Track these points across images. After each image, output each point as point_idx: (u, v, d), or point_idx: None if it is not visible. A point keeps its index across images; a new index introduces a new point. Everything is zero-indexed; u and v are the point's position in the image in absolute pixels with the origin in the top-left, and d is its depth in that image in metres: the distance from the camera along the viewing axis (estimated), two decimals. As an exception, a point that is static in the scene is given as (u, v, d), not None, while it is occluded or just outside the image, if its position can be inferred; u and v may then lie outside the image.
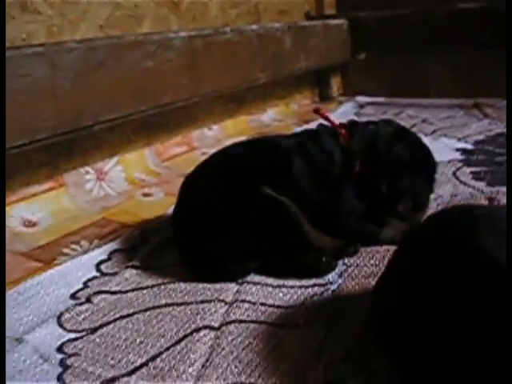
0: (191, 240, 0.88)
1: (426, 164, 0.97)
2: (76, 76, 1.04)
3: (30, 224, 1.13)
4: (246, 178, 0.87)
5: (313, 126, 1.05)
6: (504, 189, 1.12)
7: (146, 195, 1.28)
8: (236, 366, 0.65)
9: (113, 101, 1.11)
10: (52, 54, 1.01)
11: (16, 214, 1.12)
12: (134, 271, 0.91)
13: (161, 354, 0.69)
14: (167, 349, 0.70)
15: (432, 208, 1.06)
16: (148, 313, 0.79)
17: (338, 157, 0.93)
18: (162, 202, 1.21)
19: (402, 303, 0.57)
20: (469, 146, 1.47)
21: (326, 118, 1.00)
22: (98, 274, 0.91)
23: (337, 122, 1.00)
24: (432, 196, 1.11)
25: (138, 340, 0.72)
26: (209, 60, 1.37)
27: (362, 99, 2.18)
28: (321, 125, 1.01)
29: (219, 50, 1.41)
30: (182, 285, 0.85)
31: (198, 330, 0.73)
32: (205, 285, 0.84)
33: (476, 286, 0.50)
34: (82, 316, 0.79)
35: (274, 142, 0.96)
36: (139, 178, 1.37)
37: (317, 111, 1.02)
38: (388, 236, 0.92)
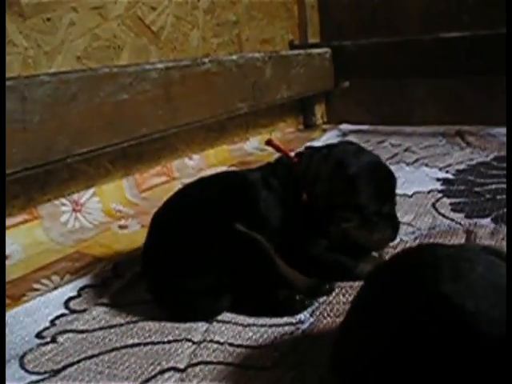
0: (161, 276, 0.86)
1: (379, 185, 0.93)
2: (46, 109, 1.03)
3: (2, 257, 1.11)
4: (217, 214, 0.86)
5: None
6: (481, 221, 1.11)
7: (122, 227, 1.26)
8: (198, 412, 0.63)
9: (84, 133, 1.10)
10: (23, 87, 1.00)
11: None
12: (103, 309, 0.88)
13: (123, 398, 0.67)
14: (130, 392, 0.68)
15: (410, 240, 1.05)
16: (113, 353, 0.76)
17: (291, 188, 0.91)
18: (138, 235, 1.18)
19: (362, 346, 0.56)
20: (450, 176, 1.46)
21: (278, 149, 0.99)
22: (66, 312, 0.89)
23: (290, 151, 0.99)
24: (410, 230, 1.11)
25: (100, 383, 0.70)
26: (186, 91, 1.37)
27: (345, 127, 2.19)
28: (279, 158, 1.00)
29: (197, 81, 1.41)
30: (151, 323, 0.83)
31: (162, 371, 0.71)
32: (174, 324, 0.82)
33: (435, 333, 0.49)
34: (46, 357, 0.77)
35: (242, 176, 0.95)
36: (116, 209, 1.36)
37: (269, 143, 1.02)
38: (364, 271, 0.89)
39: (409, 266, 0.58)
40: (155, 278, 0.87)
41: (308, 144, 1.86)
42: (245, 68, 1.61)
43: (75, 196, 1.30)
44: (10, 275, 1.05)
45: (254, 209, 0.88)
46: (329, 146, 0.98)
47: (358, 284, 0.88)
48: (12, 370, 0.74)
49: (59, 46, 1.26)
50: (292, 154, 0.99)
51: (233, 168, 1.60)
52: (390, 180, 0.95)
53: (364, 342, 0.55)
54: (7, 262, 1.10)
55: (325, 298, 0.86)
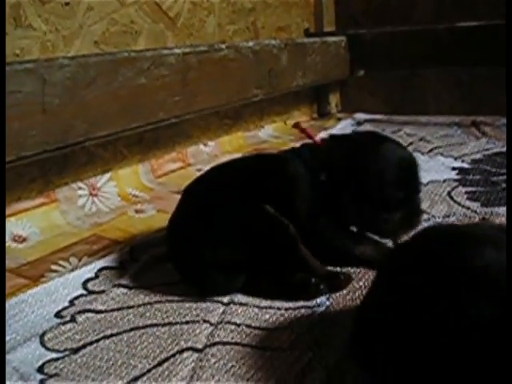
0: (183, 244, 0.87)
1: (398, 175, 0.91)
2: (66, 92, 1.04)
3: (20, 239, 1.12)
4: (248, 193, 0.87)
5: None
6: (498, 210, 1.11)
7: (138, 211, 1.27)
8: (217, 390, 0.64)
9: (103, 117, 1.11)
10: (43, 70, 1.01)
11: (6, 229, 1.11)
12: (121, 290, 0.89)
13: (142, 375, 0.68)
14: (149, 370, 0.69)
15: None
16: (132, 333, 0.77)
17: (314, 170, 0.92)
18: (154, 219, 1.20)
19: (383, 325, 0.56)
20: (465, 165, 1.46)
21: (305, 132, 1.00)
22: (84, 292, 0.90)
23: (316, 137, 0.99)
24: (425, 217, 1.10)
25: (120, 361, 0.71)
26: (203, 76, 1.37)
27: (360, 116, 2.18)
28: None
29: (214, 67, 1.41)
30: (168, 305, 0.84)
31: (181, 351, 0.72)
32: (191, 304, 0.83)
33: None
34: (66, 335, 0.78)
35: (281, 162, 0.95)
36: (132, 194, 1.36)
37: (296, 125, 1.02)
38: (365, 253, 0.91)
39: (437, 242, 0.58)
40: (178, 247, 0.89)
41: (323, 132, 1.87)
42: (261, 55, 1.61)
43: (92, 180, 1.31)
44: (29, 257, 1.06)
45: (281, 190, 0.89)
46: (355, 133, 0.99)
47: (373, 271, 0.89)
48: (32, 347, 0.75)
49: (77, 31, 1.26)
50: (317, 138, 0.99)
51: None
52: (413, 168, 0.93)
53: (391, 319, 0.55)
54: (25, 245, 1.11)
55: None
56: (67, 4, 1.24)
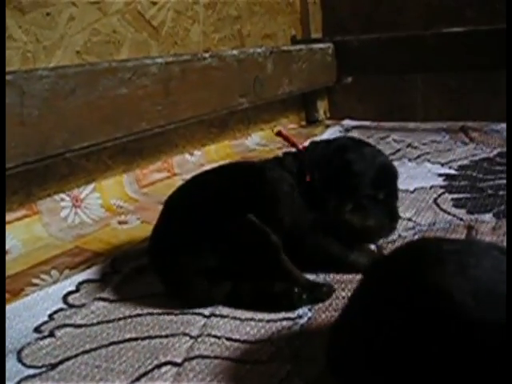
0: (166, 253, 0.87)
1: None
2: (45, 104, 1.02)
3: (2, 252, 1.11)
4: (230, 202, 0.87)
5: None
6: (483, 217, 1.10)
7: (121, 223, 1.26)
8: (194, 406, 0.63)
9: (83, 128, 1.10)
10: (21, 81, 0.99)
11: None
12: (101, 303, 0.88)
13: (119, 392, 0.67)
14: (126, 386, 0.67)
15: (409, 236, 1.05)
16: (111, 348, 0.76)
17: (296, 174, 0.94)
18: (137, 230, 1.19)
19: (359, 341, 0.55)
20: (452, 172, 1.45)
21: (288, 139, 1.00)
22: (64, 306, 0.89)
23: (299, 144, 1.00)
24: (410, 225, 1.10)
25: (97, 377, 0.70)
26: (185, 86, 1.36)
27: (348, 123, 2.18)
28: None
29: (197, 76, 1.40)
30: (149, 318, 0.83)
31: (159, 366, 0.70)
32: (172, 317, 0.82)
33: (433, 328, 0.49)
34: (44, 351, 0.77)
35: (254, 166, 0.97)
36: (116, 205, 1.35)
37: (279, 134, 1.03)
38: (359, 261, 0.90)
39: (411, 259, 0.57)
40: (160, 256, 0.88)
41: (311, 139, 1.86)
42: (246, 63, 1.60)
43: (75, 191, 1.30)
44: (10, 270, 1.04)
45: (263, 199, 0.89)
46: (335, 138, 1.04)
47: (356, 278, 0.88)
48: (10, 363, 0.74)
49: (59, 41, 1.25)
50: (300, 146, 1.00)
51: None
52: (389, 170, 0.96)
53: (362, 336, 0.55)
54: (6, 257, 1.10)
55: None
56: (48, 14, 1.23)
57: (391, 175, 0.96)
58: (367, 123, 2.15)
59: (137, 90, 1.22)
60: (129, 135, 1.22)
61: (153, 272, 0.90)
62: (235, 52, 1.58)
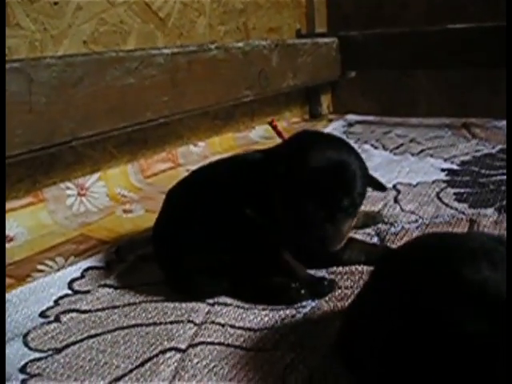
0: (168, 251, 0.88)
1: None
2: (53, 92, 1.03)
3: (7, 239, 1.12)
4: (231, 198, 0.86)
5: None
6: (485, 211, 1.11)
7: (126, 211, 1.27)
8: (198, 390, 0.64)
9: (90, 117, 1.11)
10: (30, 69, 1.00)
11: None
12: (107, 290, 0.89)
13: (124, 376, 0.68)
14: (131, 371, 0.69)
15: (412, 229, 1.06)
16: (116, 333, 0.77)
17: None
18: (142, 219, 1.19)
19: (374, 328, 0.56)
20: (454, 167, 1.46)
21: (276, 130, 0.99)
22: (69, 292, 0.90)
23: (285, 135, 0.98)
24: (413, 218, 1.11)
25: (102, 361, 0.71)
26: (192, 77, 1.36)
27: (351, 118, 2.18)
28: None
29: (203, 67, 1.40)
30: (154, 305, 0.84)
31: (164, 351, 0.72)
32: (176, 305, 0.83)
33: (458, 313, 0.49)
34: (49, 335, 0.78)
35: (251, 159, 0.95)
36: (121, 194, 1.36)
37: (271, 124, 1.01)
38: (352, 257, 0.91)
39: (425, 249, 0.58)
40: (162, 251, 0.89)
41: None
42: (251, 55, 1.61)
43: (81, 180, 1.31)
44: (15, 256, 1.06)
45: (262, 192, 0.87)
46: (307, 133, 0.98)
47: (359, 269, 0.89)
48: (15, 347, 0.75)
49: (66, 30, 1.26)
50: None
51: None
52: (343, 171, 0.84)
53: (380, 323, 0.55)
54: (12, 244, 1.11)
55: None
56: (56, 3, 1.23)
57: (343, 175, 0.84)
58: (370, 118, 2.16)
59: (143, 80, 1.22)
60: (134, 125, 1.22)
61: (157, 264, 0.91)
62: (241, 44, 1.58)
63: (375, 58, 2.08)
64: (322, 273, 0.90)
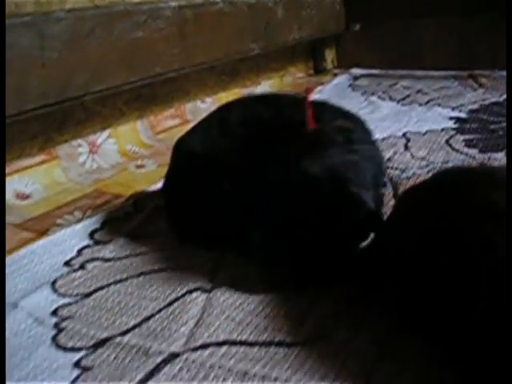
0: (176, 205, 0.89)
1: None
2: (64, 45, 1.03)
3: (23, 196, 1.13)
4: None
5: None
6: (496, 155, 1.12)
7: (138, 167, 1.28)
8: (228, 325, 0.66)
9: (102, 71, 1.11)
10: (40, 23, 1.00)
11: (9, 186, 1.12)
12: (127, 239, 0.91)
13: (153, 315, 0.70)
14: (160, 310, 0.71)
15: (423, 174, 1.07)
16: (141, 277, 0.79)
17: None
18: (155, 173, 1.20)
19: (404, 253, 0.58)
20: (463, 115, 1.46)
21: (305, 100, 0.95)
22: (91, 243, 0.92)
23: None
24: (424, 163, 1.12)
25: (131, 303, 0.73)
26: (199, 30, 1.36)
27: (356, 71, 2.17)
28: None
29: (210, 20, 1.40)
30: (175, 251, 0.85)
31: (190, 291, 0.74)
32: (196, 251, 0.84)
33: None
34: (76, 282, 0.80)
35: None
36: (132, 151, 1.37)
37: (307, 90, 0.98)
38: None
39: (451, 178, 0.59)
40: (172, 207, 0.90)
41: (319, 88, 1.87)
42: (256, 8, 1.59)
43: (92, 137, 1.31)
44: (32, 213, 1.07)
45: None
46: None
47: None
48: (45, 293, 0.77)
49: (71, -15, 1.25)
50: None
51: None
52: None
53: (408, 248, 0.57)
54: (28, 201, 1.12)
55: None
56: (60, -42, 1.22)
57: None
58: (375, 71, 2.14)
59: (152, 33, 1.22)
60: (145, 78, 1.23)
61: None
62: (246, -3, 1.57)
63: (380, 11, 2.06)
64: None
